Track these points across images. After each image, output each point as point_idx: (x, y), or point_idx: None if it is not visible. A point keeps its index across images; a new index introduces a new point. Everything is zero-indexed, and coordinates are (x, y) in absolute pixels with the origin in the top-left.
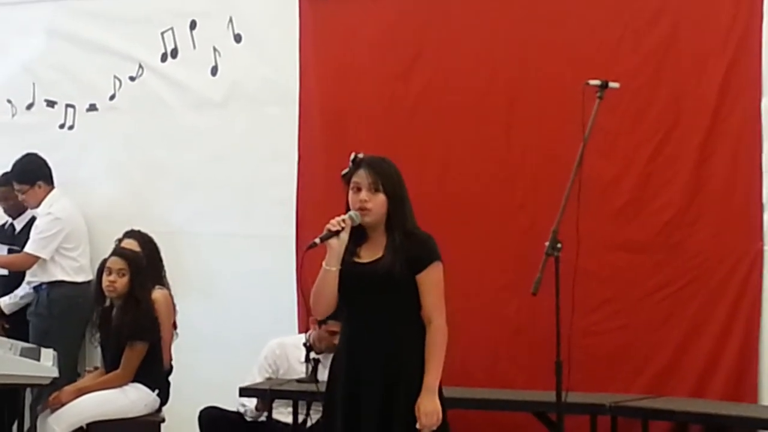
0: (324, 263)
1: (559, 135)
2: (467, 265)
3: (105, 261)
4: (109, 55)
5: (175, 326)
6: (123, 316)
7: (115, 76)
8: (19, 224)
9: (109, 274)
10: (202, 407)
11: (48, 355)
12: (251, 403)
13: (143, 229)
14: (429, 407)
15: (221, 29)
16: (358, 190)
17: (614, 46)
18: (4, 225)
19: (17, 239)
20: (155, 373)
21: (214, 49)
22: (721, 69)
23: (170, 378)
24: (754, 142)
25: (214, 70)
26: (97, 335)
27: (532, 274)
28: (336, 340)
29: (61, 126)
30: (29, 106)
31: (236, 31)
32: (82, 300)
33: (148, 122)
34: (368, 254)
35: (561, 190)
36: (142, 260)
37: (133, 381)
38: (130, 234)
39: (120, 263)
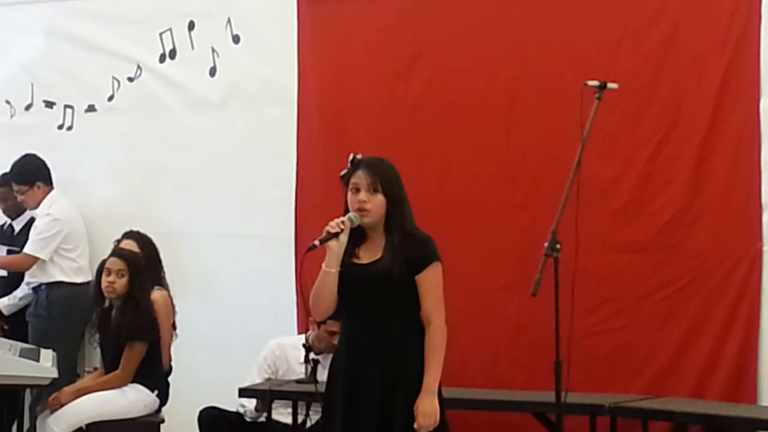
0: (323, 265)
1: (559, 135)
2: (467, 265)
3: (104, 262)
4: (107, 55)
5: (174, 327)
6: (122, 316)
7: (113, 77)
8: (18, 225)
9: (108, 274)
10: (201, 408)
11: (47, 356)
12: (251, 403)
13: (142, 230)
14: (427, 408)
15: (220, 30)
16: (357, 190)
17: (614, 46)
18: (3, 226)
19: (16, 240)
20: (154, 374)
21: (213, 50)
22: (720, 69)
23: (170, 378)
24: (753, 143)
25: (213, 71)
26: (97, 336)
27: (531, 275)
28: (335, 341)
29: (60, 127)
30: (28, 107)
31: (235, 32)
32: (81, 301)
33: (146, 123)
34: (367, 255)
35: (561, 190)
36: (141, 261)
37: (133, 382)
38: (129, 235)
39: (119, 264)
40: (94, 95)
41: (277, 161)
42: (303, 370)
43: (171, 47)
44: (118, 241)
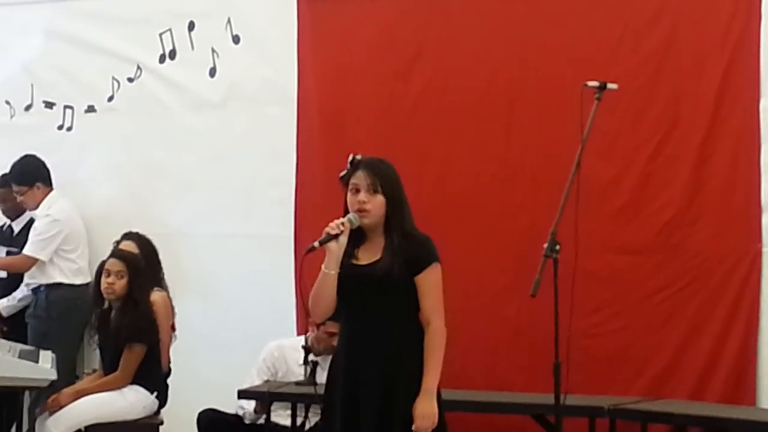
0: (323, 266)
1: (559, 135)
2: (467, 266)
3: (103, 263)
4: (107, 56)
5: (173, 328)
6: (121, 318)
7: (113, 78)
8: (17, 226)
9: (108, 276)
10: (200, 409)
11: (46, 358)
12: (250, 405)
13: (142, 231)
14: (425, 410)
15: (220, 30)
16: (357, 191)
17: (614, 47)
18: (2, 227)
19: (16, 241)
20: (154, 375)
21: (213, 50)
22: (720, 69)
23: (169, 380)
24: (753, 143)
25: (213, 71)
26: (96, 337)
27: (531, 275)
28: (334, 342)
29: (60, 127)
30: (28, 108)
31: (235, 32)
32: (80, 302)
33: (146, 123)
34: (366, 256)
35: (561, 190)
36: (141, 262)
37: (132, 383)
38: (129, 236)
39: (118, 265)
40: (94, 96)
41: (276, 162)
42: (302, 372)
43: (171, 47)
44: (118, 243)
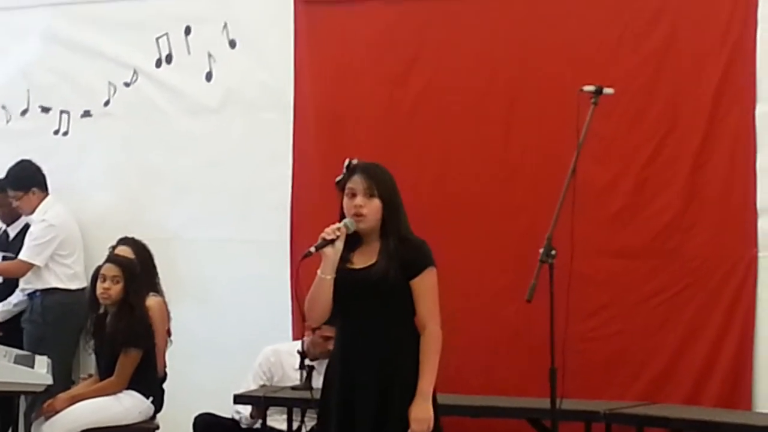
0: (319, 271)
1: (558, 136)
2: (466, 267)
3: (99, 268)
4: (103, 60)
5: (169, 333)
6: (117, 323)
7: (109, 82)
8: (12, 231)
9: (104, 281)
10: (196, 414)
11: (42, 363)
12: (246, 410)
13: (138, 236)
14: (420, 414)
15: (216, 35)
16: (353, 195)
17: (613, 48)
18: None
19: (11, 246)
20: (149, 380)
21: (209, 55)
22: (717, 73)
23: (165, 384)
24: (749, 148)
25: (209, 76)
26: (92, 342)
27: (530, 277)
28: (330, 346)
29: (56, 132)
30: (24, 112)
31: (231, 37)
32: (76, 307)
33: (142, 128)
34: (362, 260)
35: (560, 192)
36: (136, 267)
37: (128, 388)
38: (124, 241)
39: (114, 270)
40: (90, 100)
41: (273, 166)
42: (298, 377)
43: (167, 52)
44: (113, 248)
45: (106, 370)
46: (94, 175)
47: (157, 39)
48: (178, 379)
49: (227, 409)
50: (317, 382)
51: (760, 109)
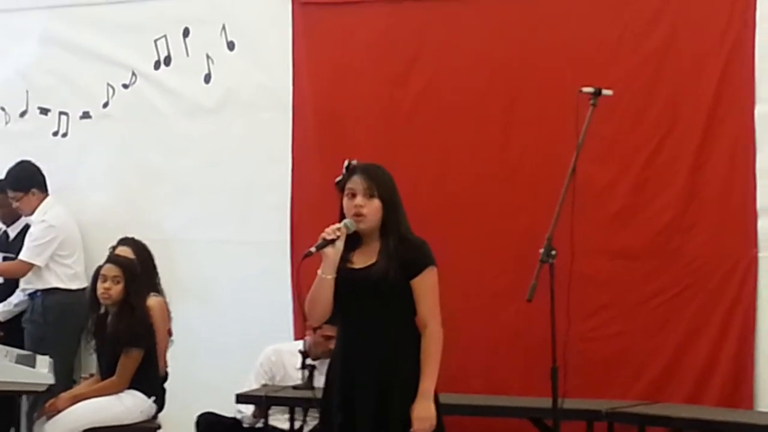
0: (319, 271)
1: (558, 136)
2: (466, 267)
3: (100, 268)
4: (102, 62)
5: (170, 333)
6: (118, 323)
7: (108, 84)
8: (12, 232)
9: (104, 281)
10: (198, 413)
11: (43, 362)
12: (248, 409)
13: (138, 236)
14: (422, 413)
15: (214, 36)
16: (353, 195)
17: (613, 48)
18: None
19: (11, 247)
20: (151, 380)
21: (208, 56)
22: (716, 74)
23: (166, 384)
24: (748, 148)
25: (208, 78)
26: (93, 342)
27: (529, 277)
28: (332, 345)
29: (55, 133)
30: (23, 114)
31: (229, 38)
32: (77, 307)
33: (141, 129)
34: (362, 260)
35: (559, 193)
36: (137, 267)
37: (129, 388)
38: (125, 241)
39: (115, 270)
40: (89, 102)
41: (272, 167)
42: (300, 376)
43: (166, 54)
44: (114, 248)
45: (107, 369)
46: (94, 176)
47: (156, 41)
48: (180, 379)
49: (229, 409)
50: (319, 381)
51: (759, 110)
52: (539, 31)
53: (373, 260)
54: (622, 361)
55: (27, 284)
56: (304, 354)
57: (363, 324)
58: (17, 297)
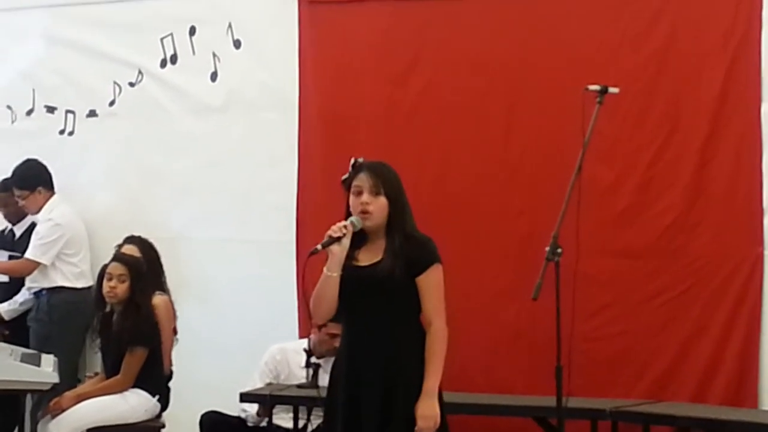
0: (325, 269)
1: (559, 136)
2: (467, 268)
3: (105, 266)
4: (108, 61)
5: (175, 332)
6: (123, 321)
7: (114, 82)
8: (19, 230)
9: (110, 279)
10: (202, 412)
11: (48, 361)
12: (252, 408)
13: (142, 235)
14: (427, 411)
15: (221, 35)
16: (359, 193)
17: (615, 48)
18: (4, 231)
19: (17, 245)
20: (155, 379)
21: (214, 55)
22: (721, 73)
23: (170, 383)
24: (754, 147)
25: (214, 76)
26: (98, 341)
27: (531, 278)
28: (336, 343)
29: (61, 132)
30: (29, 112)
31: (236, 37)
32: (82, 305)
33: (147, 128)
34: (367, 257)
35: (561, 192)
36: (143, 266)
37: (134, 386)
38: (131, 240)
39: (120, 269)
40: (96, 100)
41: (276, 166)
42: (304, 375)
43: (172, 52)
44: (120, 246)
45: (112, 368)
46: (99, 174)
47: (162, 39)
48: (183, 378)
49: (233, 408)
50: (323, 380)
51: (765, 108)
52: (540, 31)
53: (379, 258)
54: (626, 359)
55: (33, 283)
56: (309, 352)
57: (369, 321)
58: (23, 295)
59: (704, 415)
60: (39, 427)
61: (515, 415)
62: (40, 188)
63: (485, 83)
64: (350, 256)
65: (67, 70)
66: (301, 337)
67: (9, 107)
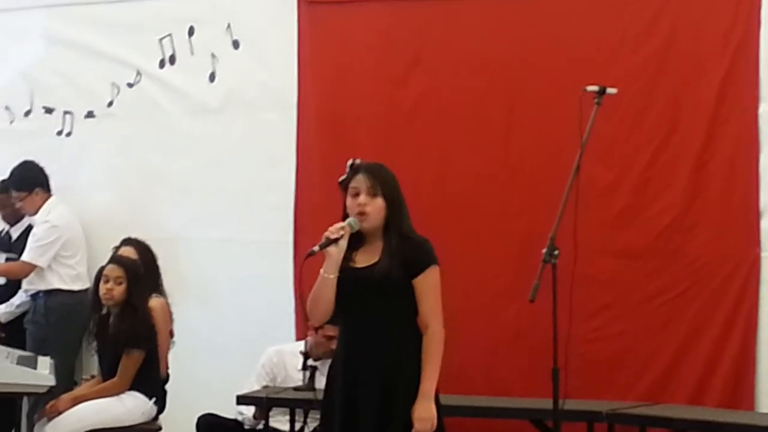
0: (322, 270)
1: (558, 136)
2: (466, 268)
3: (102, 269)
4: (107, 61)
5: (171, 334)
6: (120, 324)
7: (113, 83)
8: (15, 232)
9: (107, 281)
10: (199, 414)
11: (45, 364)
12: (249, 411)
13: (140, 236)
14: (423, 413)
15: (219, 35)
16: (357, 194)
17: (614, 49)
18: (0, 232)
19: (14, 247)
20: (152, 381)
21: (212, 55)
22: (719, 74)
23: (167, 385)
24: (752, 148)
25: (212, 76)
26: (94, 343)
27: (531, 278)
28: (333, 345)
29: (59, 133)
30: (27, 113)
31: (234, 37)
32: (79, 308)
33: (146, 129)
34: (364, 259)
35: (560, 193)
36: (140, 268)
37: (130, 389)
38: (128, 242)
39: (117, 271)
40: (94, 101)
41: (275, 167)
42: (301, 378)
43: (171, 53)
44: (117, 248)
45: (108, 371)
46: (97, 175)
47: (161, 40)
48: (180, 380)
49: (230, 410)
50: (320, 382)
51: (763, 109)
52: (539, 31)
53: (376, 259)
54: (624, 361)
55: (29, 285)
56: (306, 355)
57: (367, 322)
58: (19, 298)
59: (701, 417)
60: (35, 429)
61: (512, 417)
62: (37, 190)
63: (485, 83)
64: (347, 257)
65: (66, 71)
66: (297, 339)
67: (7, 108)
